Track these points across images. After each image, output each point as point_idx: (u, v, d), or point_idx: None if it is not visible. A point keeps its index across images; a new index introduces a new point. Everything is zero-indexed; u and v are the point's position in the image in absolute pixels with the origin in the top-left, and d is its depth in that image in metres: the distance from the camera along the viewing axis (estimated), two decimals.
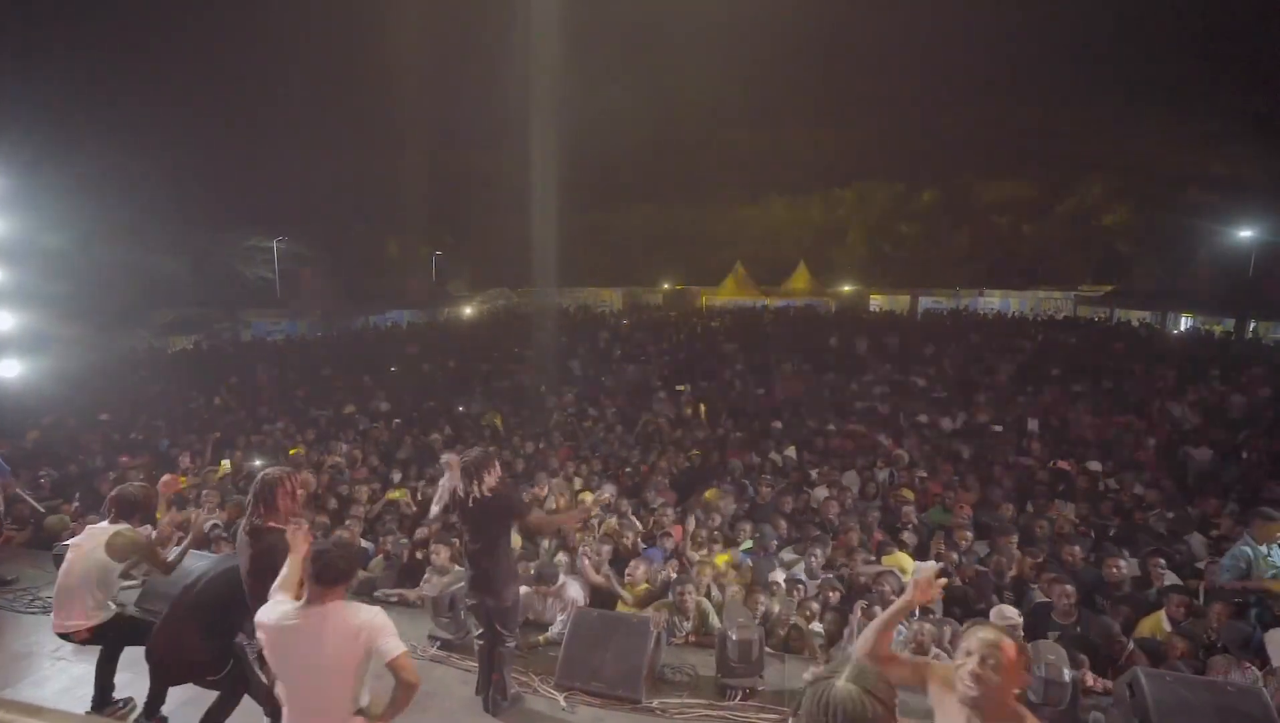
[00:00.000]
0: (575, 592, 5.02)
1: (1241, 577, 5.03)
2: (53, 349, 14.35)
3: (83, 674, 4.38)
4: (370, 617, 2.55)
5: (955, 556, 5.59)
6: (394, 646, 2.52)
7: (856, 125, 54.61)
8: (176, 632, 3.45)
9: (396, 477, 8.17)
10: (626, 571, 5.36)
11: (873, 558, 5.69)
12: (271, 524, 3.27)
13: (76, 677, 4.35)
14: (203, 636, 3.39)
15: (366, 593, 5.35)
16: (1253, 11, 39.24)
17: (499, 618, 3.92)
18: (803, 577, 5.45)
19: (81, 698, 4.11)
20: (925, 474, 8.18)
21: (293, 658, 2.55)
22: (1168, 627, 4.47)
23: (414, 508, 7.02)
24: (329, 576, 2.54)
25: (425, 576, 5.39)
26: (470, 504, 3.87)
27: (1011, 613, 4.57)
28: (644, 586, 5.28)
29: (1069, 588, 4.57)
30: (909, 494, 7.27)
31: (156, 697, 3.72)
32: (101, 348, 19.13)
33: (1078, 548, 5.43)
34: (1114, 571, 5.05)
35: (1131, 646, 4.29)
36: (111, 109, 35.71)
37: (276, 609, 2.59)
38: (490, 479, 3.88)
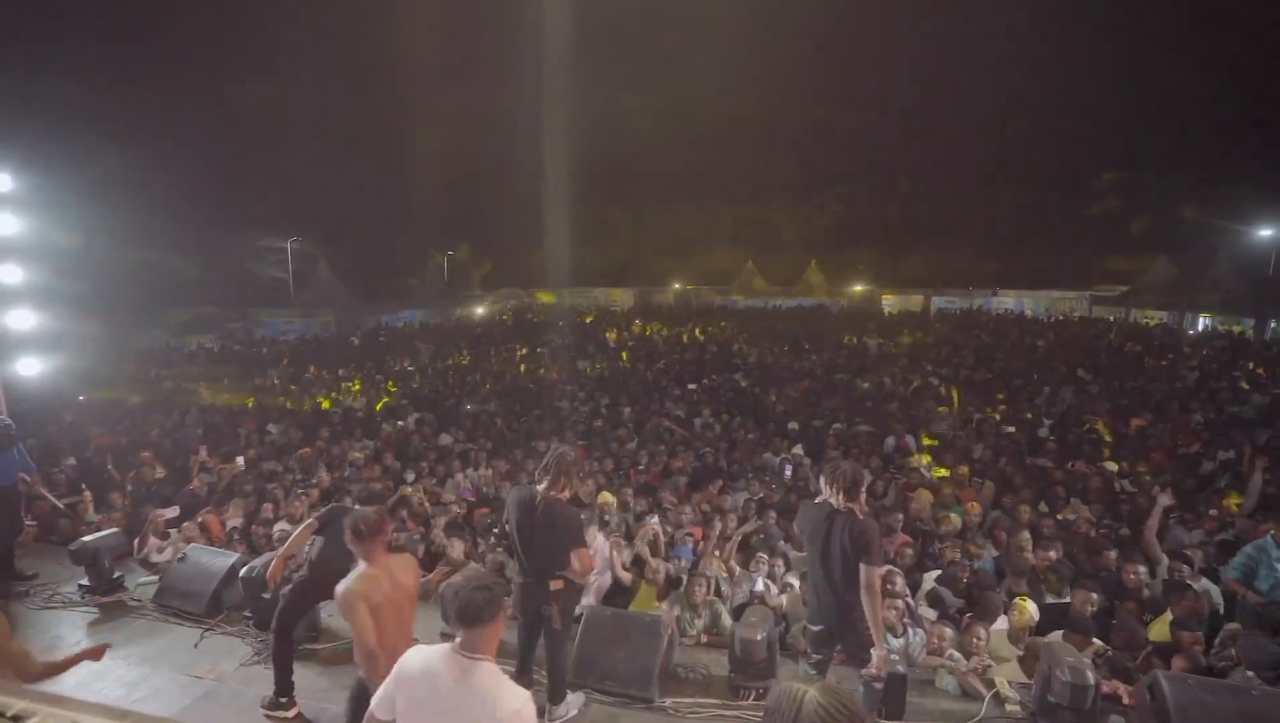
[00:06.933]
0: (603, 544, 5.04)
1: (1249, 577, 4.94)
2: (71, 347, 14.54)
3: (101, 670, 4.42)
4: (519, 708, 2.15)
5: (957, 555, 5.54)
6: None
7: (868, 124, 54.48)
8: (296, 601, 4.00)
9: (410, 476, 8.20)
10: (647, 573, 5.31)
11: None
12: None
13: (95, 672, 4.38)
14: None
15: None
16: (1269, 9, 38.67)
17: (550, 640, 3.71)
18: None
19: (99, 693, 4.15)
20: (939, 474, 8.10)
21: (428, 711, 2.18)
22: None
23: (427, 505, 7.05)
24: (468, 613, 2.20)
25: (438, 567, 5.37)
26: (532, 510, 3.54)
27: (1030, 608, 4.53)
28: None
29: (1093, 596, 4.53)
30: (924, 495, 7.20)
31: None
32: (119, 346, 19.40)
33: (1113, 554, 5.33)
34: (1132, 577, 4.91)
35: (1149, 647, 4.23)
36: (128, 111, 36.18)
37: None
38: (568, 487, 3.59)
